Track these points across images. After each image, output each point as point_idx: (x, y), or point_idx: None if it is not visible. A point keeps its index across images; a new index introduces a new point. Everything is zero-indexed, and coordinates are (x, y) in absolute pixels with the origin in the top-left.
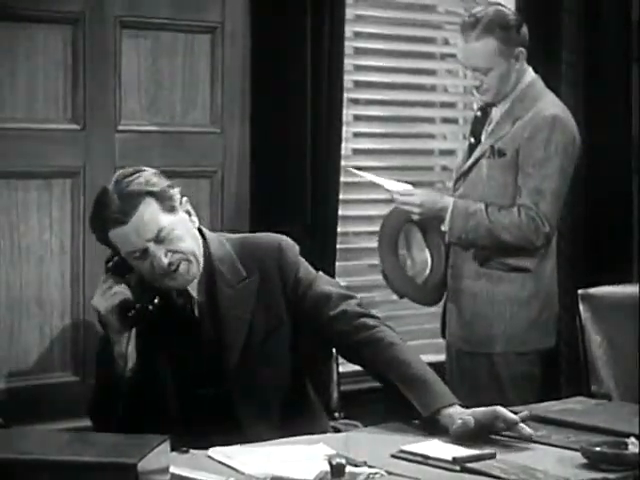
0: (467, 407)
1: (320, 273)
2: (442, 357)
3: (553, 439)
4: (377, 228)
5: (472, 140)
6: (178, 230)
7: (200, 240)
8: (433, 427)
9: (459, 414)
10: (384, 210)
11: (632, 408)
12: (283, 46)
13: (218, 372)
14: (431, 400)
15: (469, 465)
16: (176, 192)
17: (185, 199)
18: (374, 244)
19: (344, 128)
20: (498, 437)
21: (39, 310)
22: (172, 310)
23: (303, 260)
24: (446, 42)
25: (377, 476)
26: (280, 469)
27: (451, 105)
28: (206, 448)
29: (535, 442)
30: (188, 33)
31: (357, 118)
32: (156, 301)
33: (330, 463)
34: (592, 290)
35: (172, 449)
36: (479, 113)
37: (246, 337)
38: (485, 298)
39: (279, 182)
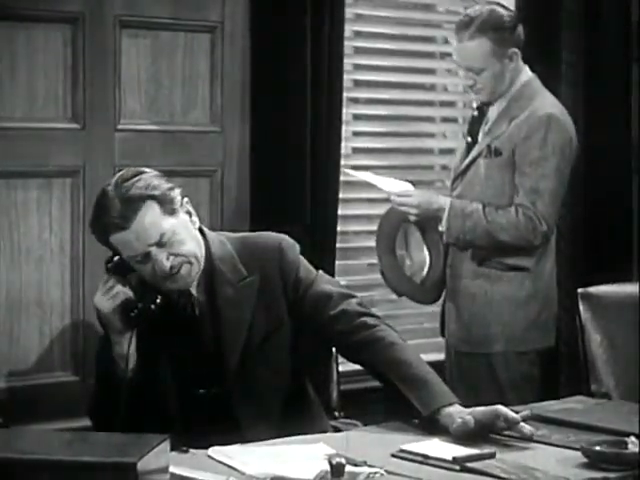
0: (467, 407)
1: (320, 272)
2: (441, 356)
3: (553, 439)
4: (376, 227)
5: (469, 139)
6: (179, 233)
7: (201, 240)
8: (433, 426)
9: (459, 413)
10: (383, 209)
11: (632, 407)
12: (283, 46)
13: (218, 372)
14: (431, 399)
15: (469, 465)
16: (177, 194)
17: (186, 200)
18: (374, 243)
19: (344, 127)
20: (498, 436)
21: (39, 310)
22: (173, 310)
23: (303, 259)
24: (446, 41)
25: (377, 476)
26: (280, 469)
27: (451, 104)
28: (206, 448)
29: (535, 441)
30: (188, 32)
31: (357, 117)
32: (158, 301)
33: (330, 463)
34: (592, 289)
35: (172, 449)
36: (476, 112)
37: (246, 336)
38: (483, 298)
39: (279, 182)
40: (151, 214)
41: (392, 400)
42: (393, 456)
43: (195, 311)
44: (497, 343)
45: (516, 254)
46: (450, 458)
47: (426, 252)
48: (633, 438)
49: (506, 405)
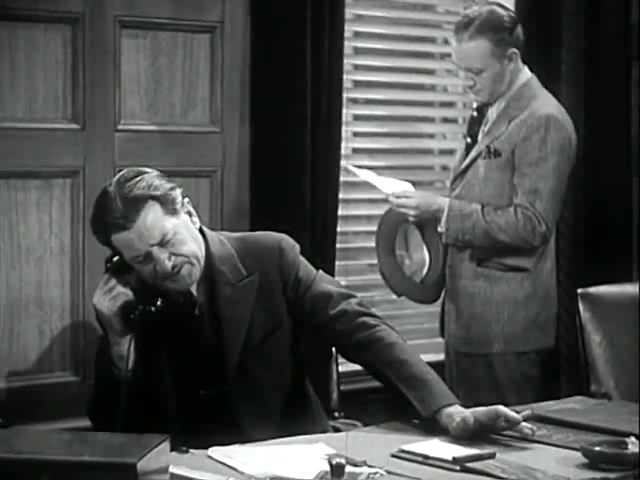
0: (467, 407)
1: (321, 272)
2: (441, 357)
3: (553, 439)
4: (376, 227)
5: (469, 140)
6: (181, 233)
7: (201, 241)
8: (433, 427)
9: (459, 414)
10: (383, 210)
11: (632, 408)
12: (283, 46)
13: (218, 372)
14: (431, 400)
15: (469, 465)
16: (178, 194)
17: (186, 200)
18: (373, 243)
19: (344, 128)
20: (498, 436)
21: (39, 310)
22: (173, 309)
23: (303, 259)
24: (446, 42)
25: (377, 476)
26: (280, 469)
27: (450, 104)
28: (206, 448)
29: (535, 442)
30: (188, 33)
31: (357, 118)
32: (159, 303)
33: (330, 463)
34: (592, 290)
35: (172, 449)
36: (475, 113)
37: (246, 336)
38: (483, 298)
39: (279, 182)
40: (153, 214)
41: (392, 400)
42: (393, 456)
43: (195, 311)
44: (497, 343)
45: (516, 254)
46: (450, 458)
47: (426, 252)
48: (633, 438)
49: (506, 405)
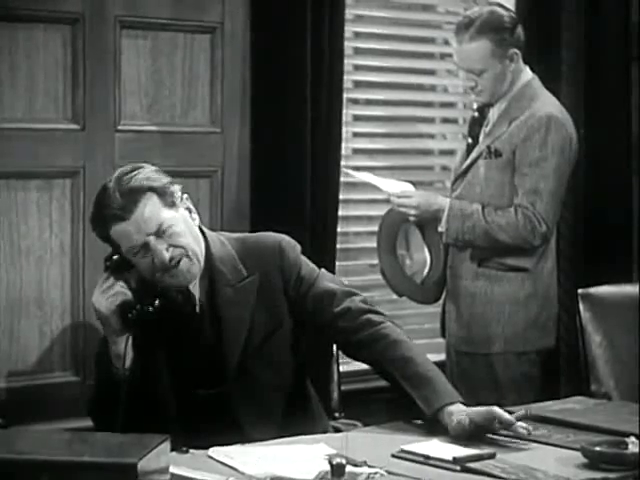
0: (468, 406)
1: (323, 270)
2: (442, 357)
3: (553, 439)
4: (377, 228)
5: (470, 140)
6: (178, 226)
7: (201, 238)
8: (434, 427)
9: (459, 413)
10: (384, 210)
11: (632, 408)
12: (283, 46)
13: (219, 372)
14: (434, 398)
15: (469, 465)
16: (177, 189)
17: (185, 196)
18: (374, 244)
19: (344, 128)
20: (497, 437)
21: (39, 310)
22: (173, 309)
23: (305, 258)
24: (446, 42)
25: (377, 476)
26: (280, 469)
27: (451, 105)
28: (206, 448)
29: (535, 442)
30: (188, 33)
31: (357, 118)
32: (157, 303)
33: (330, 463)
34: (592, 290)
35: (172, 449)
36: (476, 113)
37: (246, 336)
38: (483, 298)
39: (279, 182)
40: (151, 205)
41: (393, 400)
42: (393, 456)
43: (195, 311)
44: (497, 343)
45: (516, 254)
46: (450, 458)
47: (426, 252)
48: (633, 438)
49: (505, 405)
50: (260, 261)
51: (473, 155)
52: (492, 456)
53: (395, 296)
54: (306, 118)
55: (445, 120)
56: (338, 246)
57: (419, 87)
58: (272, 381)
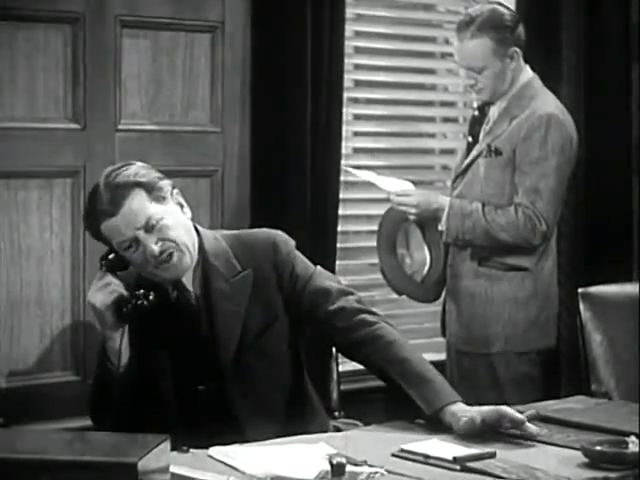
0: (469, 405)
1: (319, 268)
2: (442, 356)
3: (554, 438)
4: (377, 227)
5: (470, 139)
6: (167, 219)
7: (193, 232)
8: (436, 425)
9: (463, 412)
10: (384, 209)
11: (632, 407)
12: (283, 46)
13: (215, 367)
14: (435, 398)
15: (470, 464)
16: (166, 184)
17: (176, 191)
18: (374, 243)
19: (344, 127)
20: (500, 436)
21: (39, 310)
22: (167, 305)
23: (300, 255)
24: (446, 41)
25: (377, 475)
26: (281, 468)
27: (451, 104)
28: (206, 447)
29: (536, 441)
30: (188, 32)
31: (357, 117)
32: (151, 297)
33: (330, 462)
34: (592, 289)
35: (172, 448)
36: (477, 112)
37: (241, 331)
38: (484, 298)
39: (279, 182)
40: (138, 200)
41: (393, 400)
42: (394, 456)
43: (189, 306)
44: (497, 343)
45: (516, 254)
46: (451, 458)
47: (426, 251)
48: (633, 438)
49: (508, 405)
50: (254, 256)
51: (473, 154)
52: (492, 455)
53: (395, 295)
54: (306, 117)
55: (445, 119)
56: (338, 245)
57: (419, 86)
58: (270, 377)
